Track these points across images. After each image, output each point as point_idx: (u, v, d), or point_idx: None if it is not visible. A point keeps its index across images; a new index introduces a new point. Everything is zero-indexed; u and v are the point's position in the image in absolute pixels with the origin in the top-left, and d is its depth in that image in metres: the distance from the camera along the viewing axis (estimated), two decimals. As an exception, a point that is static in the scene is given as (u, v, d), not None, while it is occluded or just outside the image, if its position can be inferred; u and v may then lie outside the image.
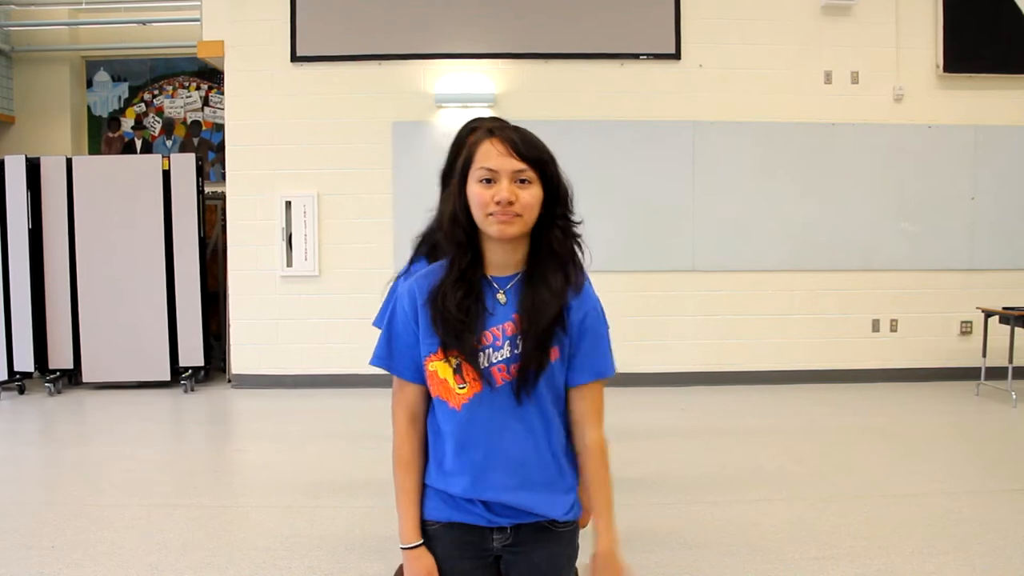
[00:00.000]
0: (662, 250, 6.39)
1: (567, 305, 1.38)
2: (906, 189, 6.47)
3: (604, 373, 1.43)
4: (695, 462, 4.34)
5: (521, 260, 1.40)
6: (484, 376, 1.35)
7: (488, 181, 1.33)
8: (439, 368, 1.37)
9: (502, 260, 1.39)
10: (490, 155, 1.34)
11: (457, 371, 1.36)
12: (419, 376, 1.41)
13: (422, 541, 1.43)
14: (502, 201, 1.31)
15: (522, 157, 1.33)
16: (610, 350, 1.45)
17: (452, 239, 1.39)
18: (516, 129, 1.37)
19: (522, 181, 1.33)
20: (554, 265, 1.38)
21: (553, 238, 1.37)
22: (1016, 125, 6.48)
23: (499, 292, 1.39)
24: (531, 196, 1.34)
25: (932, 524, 3.37)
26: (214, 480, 4.19)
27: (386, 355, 1.43)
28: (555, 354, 1.37)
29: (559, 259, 1.38)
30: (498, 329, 1.37)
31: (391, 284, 1.94)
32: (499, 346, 1.36)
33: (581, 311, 1.40)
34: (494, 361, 1.36)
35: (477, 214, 1.35)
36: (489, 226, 1.34)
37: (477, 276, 1.38)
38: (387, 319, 1.44)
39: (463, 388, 1.36)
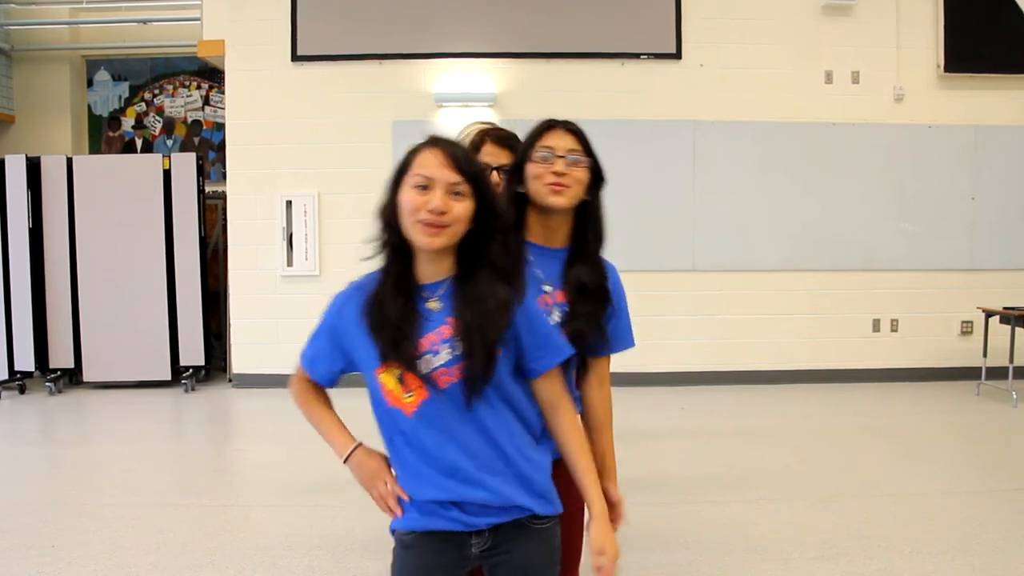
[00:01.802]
0: (662, 249, 6.39)
1: (514, 317, 1.39)
2: (906, 189, 6.47)
3: (562, 355, 1.46)
4: (695, 462, 4.34)
5: (448, 268, 1.41)
6: (427, 382, 1.36)
7: (423, 188, 1.34)
8: (385, 379, 1.37)
9: (430, 268, 1.41)
10: (429, 163, 1.36)
11: (401, 380, 1.37)
12: (330, 383, 1.52)
13: (358, 442, 1.48)
14: (435, 209, 1.32)
15: (460, 170, 1.35)
16: (559, 332, 1.50)
17: (387, 243, 1.39)
18: (458, 145, 1.41)
19: (456, 193, 1.35)
20: (492, 275, 1.38)
21: (493, 252, 1.38)
22: (1016, 125, 6.48)
23: (431, 299, 1.40)
24: (463, 209, 1.35)
25: (932, 524, 3.37)
26: (214, 480, 4.20)
27: (310, 360, 1.51)
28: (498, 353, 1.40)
29: (499, 270, 1.39)
30: (434, 334, 1.37)
31: None
32: (437, 351, 1.37)
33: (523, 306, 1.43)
34: (435, 366, 1.36)
35: (406, 220, 1.35)
36: (416, 234, 1.35)
37: (411, 283, 1.40)
38: (317, 328, 1.50)
39: (410, 396, 1.37)
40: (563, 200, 1.59)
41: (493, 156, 1.91)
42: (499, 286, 1.38)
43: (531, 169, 1.61)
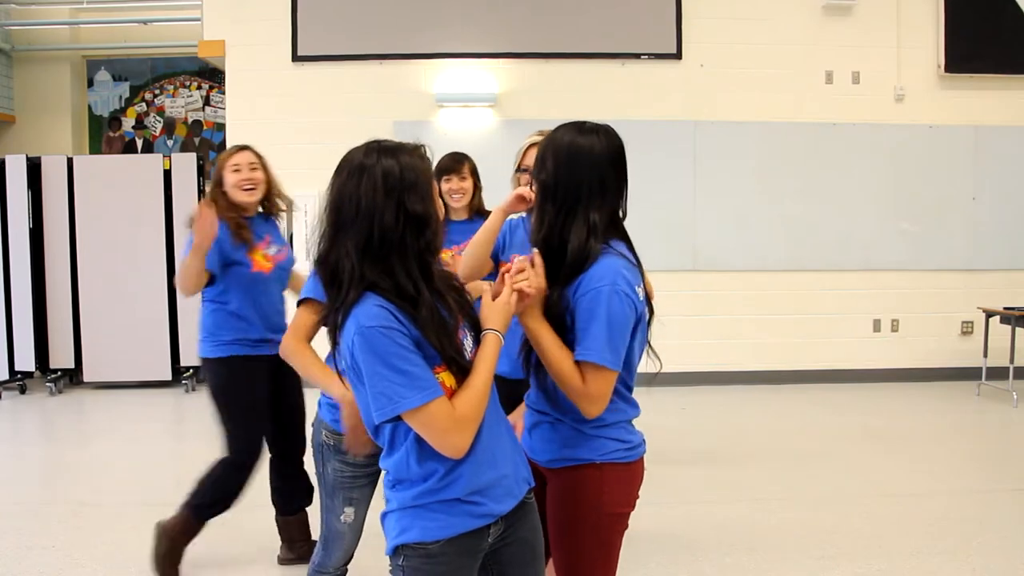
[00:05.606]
0: (663, 249, 6.38)
1: None
2: (906, 189, 6.46)
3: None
4: (695, 462, 4.34)
5: None
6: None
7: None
8: (445, 378, 1.36)
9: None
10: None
11: (456, 375, 1.39)
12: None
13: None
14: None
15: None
16: None
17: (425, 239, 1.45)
18: None
19: None
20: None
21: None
22: (1016, 125, 6.47)
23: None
24: None
25: (932, 524, 3.37)
26: (214, 480, 4.18)
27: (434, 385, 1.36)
28: None
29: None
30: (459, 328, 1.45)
31: None
32: (465, 335, 1.44)
33: None
34: (468, 353, 1.42)
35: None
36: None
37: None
38: (397, 361, 1.32)
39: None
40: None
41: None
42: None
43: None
